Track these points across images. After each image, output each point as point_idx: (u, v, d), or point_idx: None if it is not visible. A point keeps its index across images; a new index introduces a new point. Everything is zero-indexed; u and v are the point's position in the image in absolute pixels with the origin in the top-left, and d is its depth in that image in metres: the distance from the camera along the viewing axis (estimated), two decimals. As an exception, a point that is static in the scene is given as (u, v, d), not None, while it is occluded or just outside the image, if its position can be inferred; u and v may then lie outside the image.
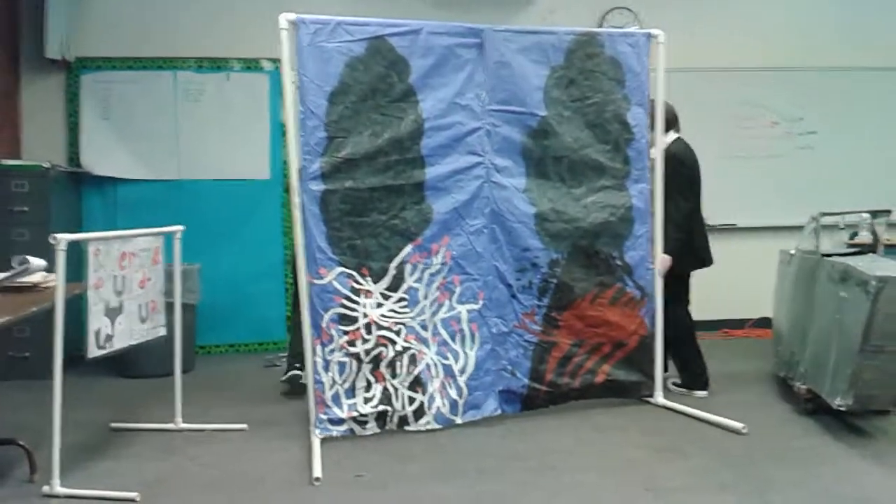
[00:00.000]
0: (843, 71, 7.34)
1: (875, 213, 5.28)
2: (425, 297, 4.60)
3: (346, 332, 4.41)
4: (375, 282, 4.50)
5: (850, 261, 4.33)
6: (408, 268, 4.56)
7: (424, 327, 4.60)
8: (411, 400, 4.54)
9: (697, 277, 6.37)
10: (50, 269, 3.91)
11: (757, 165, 7.36)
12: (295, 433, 4.46)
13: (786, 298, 5.24)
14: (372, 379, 4.47)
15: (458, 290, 4.68)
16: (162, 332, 4.44)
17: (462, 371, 4.67)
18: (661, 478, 3.77)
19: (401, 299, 4.55)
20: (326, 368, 4.36)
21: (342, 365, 4.39)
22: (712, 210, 6.90)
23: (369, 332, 4.46)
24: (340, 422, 4.37)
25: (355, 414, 4.40)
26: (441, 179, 4.61)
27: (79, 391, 5.24)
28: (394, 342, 4.51)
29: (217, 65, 6.82)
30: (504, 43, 4.69)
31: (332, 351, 4.37)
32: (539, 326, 4.83)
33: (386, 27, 4.49)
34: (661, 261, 5.02)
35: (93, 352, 3.81)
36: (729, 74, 7.28)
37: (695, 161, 5.24)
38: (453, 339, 4.67)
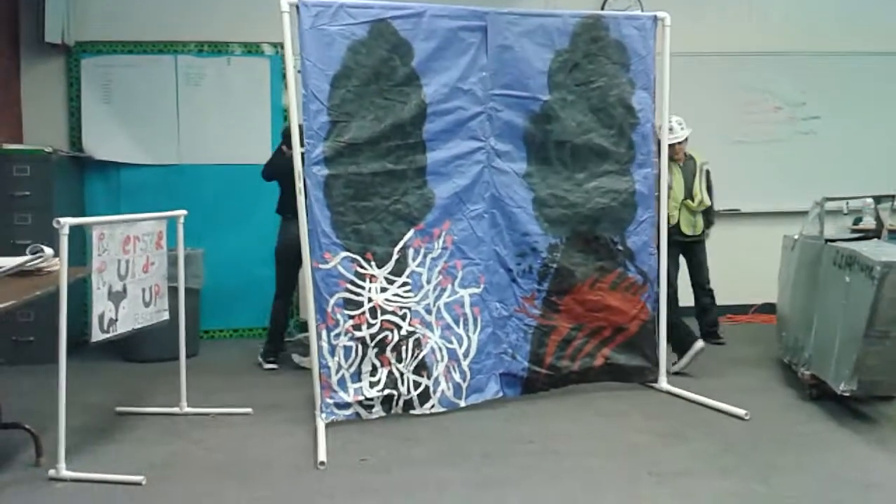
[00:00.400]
0: (845, 56, 7.31)
1: (879, 199, 5.27)
2: (428, 282, 4.61)
3: (351, 317, 4.41)
4: (380, 266, 4.50)
5: (855, 246, 4.32)
6: (410, 252, 4.57)
7: (429, 311, 4.61)
8: (416, 384, 4.55)
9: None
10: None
11: (760, 150, 7.35)
12: (300, 417, 4.47)
13: (790, 284, 5.23)
14: (378, 363, 4.47)
15: (459, 274, 4.69)
16: (165, 316, 4.44)
17: (466, 355, 4.69)
18: (664, 462, 3.78)
19: (404, 283, 4.56)
20: (332, 353, 4.36)
21: (348, 349, 4.40)
22: (715, 196, 6.90)
23: (374, 317, 4.47)
24: (346, 406, 4.38)
25: (361, 398, 4.41)
26: (442, 164, 4.61)
27: (84, 375, 5.26)
28: (399, 326, 4.52)
29: (218, 49, 6.80)
30: (508, 26, 4.66)
31: (337, 335, 4.37)
32: (539, 310, 4.84)
33: (389, 10, 4.46)
34: None
35: (97, 336, 3.81)
36: (731, 59, 7.26)
37: None
38: (457, 323, 4.68)
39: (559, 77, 4.78)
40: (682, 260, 6.31)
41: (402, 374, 4.52)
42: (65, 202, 6.07)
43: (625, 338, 4.99)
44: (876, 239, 5.06)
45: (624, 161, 4.91)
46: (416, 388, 4.54)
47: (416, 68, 4.52)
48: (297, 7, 4.24)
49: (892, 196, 5.15)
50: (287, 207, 5.62)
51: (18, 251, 4.40)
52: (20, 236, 5.63)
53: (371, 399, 4.44)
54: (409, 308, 4.56)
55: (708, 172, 6.21)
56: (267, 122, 6.73)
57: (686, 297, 6.31)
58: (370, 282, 4.47)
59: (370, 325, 4.45)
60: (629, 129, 4.89)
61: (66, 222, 3.55)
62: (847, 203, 6.07)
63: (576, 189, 4.85)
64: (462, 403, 4.65)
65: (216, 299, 6.59)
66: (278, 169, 5.64)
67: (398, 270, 4.54)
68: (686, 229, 6.11)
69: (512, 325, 4.81)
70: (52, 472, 3.59)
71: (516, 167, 4.77)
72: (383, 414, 4.47)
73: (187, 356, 4.74)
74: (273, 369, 5.70)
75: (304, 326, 5.85)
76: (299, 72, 4.32)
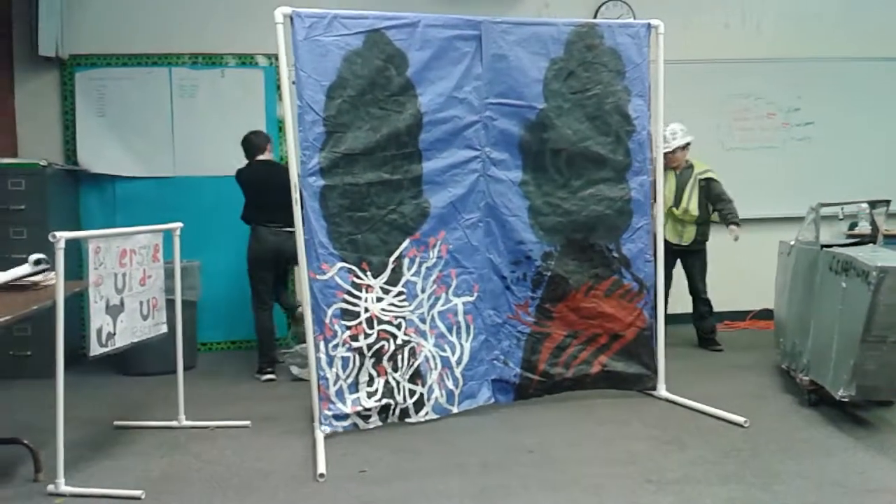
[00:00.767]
0: (839, 61, 7.33)
1: (874, 204, 5.28)
2: (423, 291, 4.62)
3: (348, 327, 4.41)
4: (375, 276, 4.50)
5: (851, 251, 4.33)
6: (406, 262, 4.57)
7: (423, 320, 4.63)
8: (412, 392, 4.56)
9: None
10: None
11: (755, 157, 7.36)
12: (298, 429, 4.46)
13: (787, 290, 5.24)
14: (374, 373, 4.47)
15: (454, 282, 4.70)
16: (163, 329, 4.44)
17: (458, 362, 4.72)
18: (664, 470, 3.78)
19: (399, 293, 4.56)
20: (331, 364, 4.36)
21: (345, 360, 4.40)
22: (735, 202, 6.91)
23: (371, 327, 4.47)
24: (345, 417, 4.38)
25: (359, 408, 4.41)
26: (438, 174, 4.61)
27: (81, 390, 5.25)
28: (395, 336, 4.53)
29: (212, 60, 6.80)
30: (502, 35, 4.67)
31: (335, 346, 4.37)
32: (532, 317, 4.85)
33: (383, 20, 4.47)
34: None
35: (95, 350, 3.80)
36: (725, 66, 7.28)
37: None
38: (450, 331, 4.70)
39: (554, 85, 4.79)
40: (679, 267, 6.32)
41: (398, 383, 4.53)
42: (60, 216, 6.07)
43: (622, 345, 4.99)
44: (872, 244, 5.07)
45: (620, 168, 4.92)
46: (411, 397, 4.56)
47: (412, 78, 4.53)
48: (291, 18, 4.24)
49: (888, 201, 5.16)
50: (251, 216, 5.73)
51: (14, 265, 4.38)
52: (16, 250, 5.61)
53: (369, 409, 4.44)
54: (403, 317, 4.57)
55: (709, 182, 6.17)
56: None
57: (686, 304, 6.34)
58: (366, 292, 4.47)
59: (367, 336, 4.46)
60: (626, 137, 4.90)
61: (62, 236, 3.54)
62: (842, 208, 6.06)
63: (571, 197, 4.86)
64: (455, 409, 4.68)
65: (213, 311, 6.59)
66: (242, 177, 5.77)
67: (393, 280, 4.55)
68: (671, 237, 6.08)
69: (505, 332, 4.83)
70: (51, 488, 3.58)
71: (512, 175, 4.78)
72: (380, 424, 4.47)
73: (185, 369, 4.73)
74: (271, 380, 5.69)
75: (301, 337, 5.84)
76: (294, 83, 4.31)
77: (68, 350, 3.62)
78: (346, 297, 4.41)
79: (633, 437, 4.26)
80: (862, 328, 3.97)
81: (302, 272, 4.36)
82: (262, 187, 5.69)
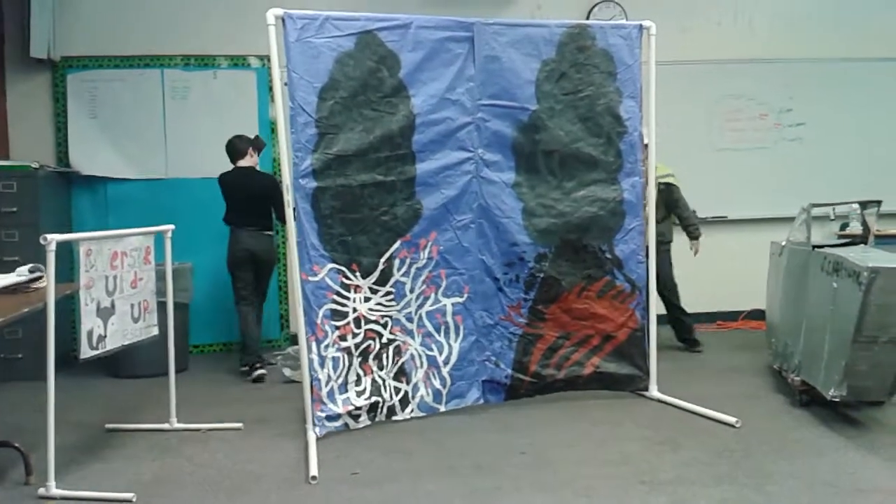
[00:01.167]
0: (831, 62, 7.36)
1: (865, 204, 5.29)
2: (411, 291, 4.64)
3: (337, 328, 4.42)
4: (364, 277, 4.51)
5: (842, 252, 4.34)
6: (396, 262, 4.59)
7: (410, 319, 4.65)
8: (397, 390, 4.60)
9: (689, 270, 6.39)
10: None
11: (747, 157, 7.38)
12: (290, 431, 4.45)
13: (778, 290, 5.25)
14: (361, 372, 4.49)
15: (444, 283, 4.71)
16: (155, 331, 4.42)
17: (446, 362, 4.73)
18: (657, 470, 3.78)
19: (387, 293, 4.58)
20: (322, 365, 4.36)
21: (336, 360, 4.41)
22: (702, 203, 6.93)
23: (359, 327, 4.49)
24: (336, 417, 4.38)
25: (350, 408, 4.42)
26: (431, 175, 4.62)
27: (73, 392, 5.24)
28: (380, 335, 4.56)
29: (204, 62, 6.79)
30: (494, 36, 4.68)
31: (326, 347, 4.37)
32: (525, 319, 4.86)
33: (375, 21, 4.47)
34: None
35: (86, 353, 3.79)
36: (717, 67, 7.30)
37: None
38: (437, 331, 4.72)
39: (546, 87, 4.79)
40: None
41: (384, 381, 4.55)
42: (52, 218, 6.05)
43: (614, 346, 4.99)
44: (863, 244, 5.08)
45: (612, 170, 4.93)
46: (397, 394, 4.59)
47: (404, 79, 4.53)
48: (283, 20, 4.24)
49: (879, 202, 5.17)
50: (230, 218, 5.92)
51: (6, 268, 4.37)
52: (7, 253, 5.61)
53: (359, 408, 4.46)
54: (390, 316, 4.59)
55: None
56: (254, 135, 6.71)
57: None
58: (355, 292, 4.48)
59: (355, 335, 4.47)
60: (617, 138, 4.91)
61: (53, 238, 3.54)
62: (834, 209, 6.09)
63: (564, 198, 4.87)
64: (442, 408, 4.71)
65: (205, 314, 6.57)
66: (222, 181, 5.93)
67: (382, 280, 4.56)
68: None
69: (496, 334, 4.84)
70: (41, 491, 3.57)
71: (505, 177, 4.78)
72: (369, 422, 4.49)
73: (177, 371, 4.72)
74: (262, 376, 5.74)
75: (294, 339, 5.84)
76: (286, 84, 4.31)
77: (59, 353, 3.61)
78: (336, 297, 4.42)
79: (625, 438, 4.26)
80: (853, 329, 3.98)
81: (293, 273, 4.35)
82: (240, 193, 5.89)
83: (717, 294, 7.24)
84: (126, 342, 4.14)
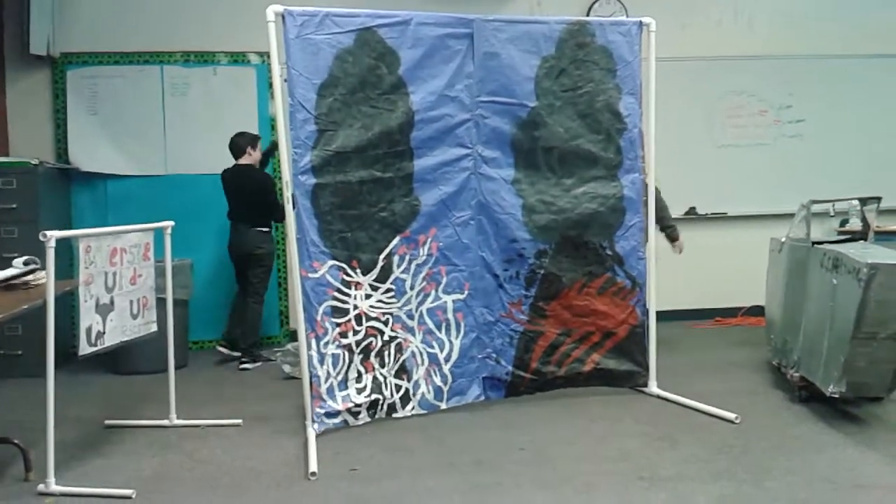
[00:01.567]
0: (831, 58, 7.36)
1: (865, 201, 5.29)
2: (411, 288, 4.63)
3: (338, 325, 4.42)
4: (364, 273, 4.51)
5: (842, 248, 4.34)
6: (396, 259, 4.58)
7: (410, 316, 4.64)
8: (398, 387, 4.59)
9: (689, 267, 6.38)
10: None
11: (747, 154, 7.39)
12: (289, 428, 4.45)
13: (778, 286, 5.25)
14: (362, 369, 4.49)
15: (444, 280, 4.71)
16: (154, 328, 4.42)
17: (447, 359, 4.73)
18: (656, 466, 3.78)
19: (388, 290, 4.58)
20: (322, 362, 4.36)
21: (335, 357, 4.40)
22: (702, 199, 6.94)
23: (360, 324, 4.48)
24: (336, 414, 4.38)
25: (350, 405, 4.42)
26: (429, 171, 4.62)
27: (72, 389, 5.25)
28: (382, 332, 4.55)
29: (204, 59, 6.79)
30: (494, 33, 4.67)
31: (326, 344, 4.37)
32: (525, 316, 4.86)
33: (374, 18, 4.47)
34: None
35: (84, 349, 3.79)
36: (717, 63, 7.30)
37: None
38: (438, 329, 4.71)
39: (546, 83, 4.79)
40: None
41: (385, 379, 4.55)
42: (51, 214, 6.05)
43: (614, 342, 5.00)
44: (862, 241, 5.08)
45: (612, 166, 4.93)
46: (397, 391, 4.59)
47: (403, 76, 4.53)
48: (283, 16, 4.23)
49: (878, 198, 5.17)
50: (229, 214, 6.20)
51: (5, 264, 4.37)
52: (7, 249, 5.59)
53: (359, 405, 4.45)
54: (391, 313, 4.58)
55: None
56: (254, 131, 6.72)
57: (672, 301, 6.35)
58: (356, 289, 4.48)
59: (356, 332, 4.47)
60: (617, 135, 4.90)
61: (53, 235, 3.53)
62: (833, 205, 6.09)
63: (564, 195, 4.87)
64: (443, 406, 4.71)
65: (205, 310, 6.57)
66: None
67: (383, 277, 4.56)
68: None
69: (497, 331, 4.83)
70: (41, 487, 3.56)
71: (504, 174, 4.78)
72: (368, 419, 4.49)
73: (176, 368, 4.72)
74: (245, 370, 5.97)
75: (293, 335, 5.84)
76: (286, 81, 4.31)
77: (59, 349, 3.61)
78: (336, 294, 4.42)
79: (625, 435, 4.27)
80: (852, 325, 3.98)
81: (293, 270, 4.36)
82: (232, 189, 6.13)
83: (717, 290, 7.25)
84: (125, 339, 4.14)
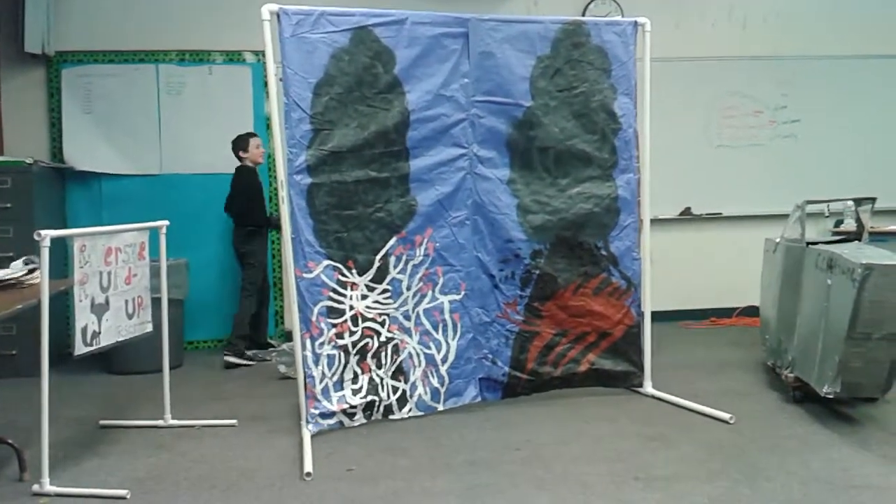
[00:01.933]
0: (825, 59, 7.39)
1: (859, 201, 5.30)
2: (408, 289, 4.62)
3: (334, 325, 4.41)
4: (360, 274, 4.50)
5: (836, 249, 4.35)
6: (392, 260, 4.57)
7: (407, 317, 4.63)
8: (394, 389, 4.58)
9: (684, 267, 6.38)
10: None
11: (741, 154, 7.41)
12: (284, 428, 4.45)
13: (772, 287, 5.26)
14: (358, 370, 4.48)
15: (440, 280, 4.70)
16: (149, 328, 4.41)
17: (444, 360, 4.72)
18: (651, 467, 3.79)
19: (384, 291, 4.57)
20: (317, 362, 4.35)
21: (331, 358, 4.40)
22: (697, 199, 6.95)
23: (356, 325, 4.47)
24: (331, 415, 4.38)
25: (345, 406, 4.41)
26: (425, 172, 4.61)
27: (67, 389, 5.23)
28: (378, 333, 4.54)
29: (199, 57, 6.78)
30: (489, 33, 4.67)
31: (321, 344, 4.36)
32: (521, 316, 4.86)
33: (370, 17, 4.46)
34: None
35: (79, 349, 3.78)
36: (712, 64, 7.32)
37: None
38: (435, 329, 4.70)
39: (541, 83, 4.79)
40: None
41: (381, 380, 4.54)
42: (46, 214, 6.04)
43: (609, 343, 5.00)
44: (857, 241, 5.09)
45: (607, 166, 4.93)
46: (394, 393, 4.57)
47: (399, 75, 4.52)
48: (278, 15, 4.23)
49: (873, 198, 5.18)
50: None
51: (1, 264, 4.36)
52: (1, 248, 5.60)
53: (354, 407, 4.44)
54: (387, 314, 4.57)
55: None
56: (249, 130, 6.71)
57: (669, 300, 6.35)
58: (351, 290, 4.47)
59: (352, 333, 4.46)
60: (612, 135, 4.91)
61: (48, 234, 3.52)
62: (828, 206, 6.10)
63: (559, 195, 4.87)
64: (440, 407, 4.69)
65: (200, 310, 6.57)
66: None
67: (379, 278, 4.55)
68: None
69: (493, 331, 4.83)
70: (35, 487, 3.55)
71: (499, 173, 4.78)
72: (364, 421, 4.48)
73: (171, 367, 4.72)
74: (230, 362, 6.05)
75: (289, 336, 5.85)
76: (281, 80, 4.30)
77: (54, 349, 3.60)
78: (332, 294, 4.41)
79: (620, 435, 4.27)
80: (847, 325, 3.98)
81: (288, 270, 4.35)
82: (230, 189, 6.30)
83: (712, 291, 7.26)
84: (120, 338, 4.13)
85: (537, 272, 4.84)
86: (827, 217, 7.15)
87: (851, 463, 3.78)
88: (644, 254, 5.02)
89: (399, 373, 4.60)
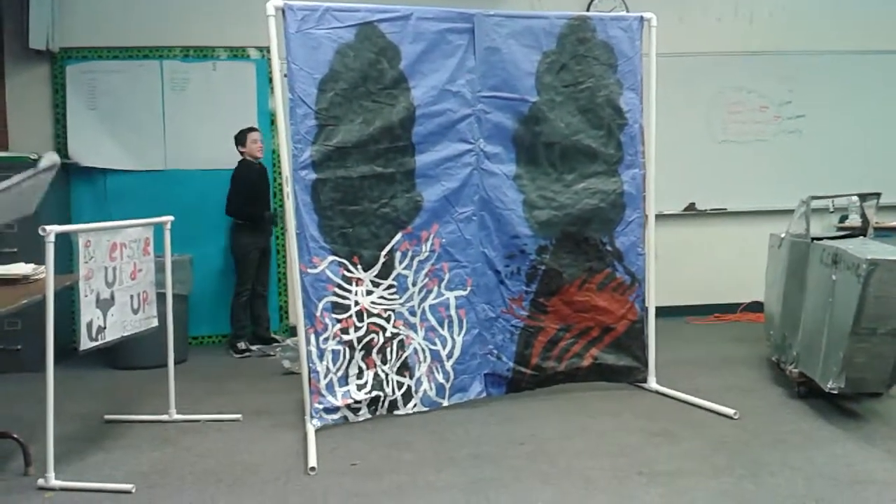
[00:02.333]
0: (831, 54, 7.36)
1: (864, 196, 5.29)
2: (414, 284, 4.62)
3: (339, 321, 4.41)
4: (366, 270, 4.50)
5: (841, 244, 4.34)
6: (398, 255, 4.57)
7: (413, 313, 4.63)
8: (399, 384, 4.58)
9: (688, 263, 6.37)
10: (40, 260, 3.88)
11: (746, 149, 7.39)
12: (289, 423, 4.46)
13: (777, 282, 5.26)
14: (363, 366, 4.48)
15: (446, 276, 4.70)
16: (154, 323, 4.42)
17: (449, 356, 4.72)
18: (655, 462, 3.79)
19: (390, 286, 4.57)
20: (321, 357, 4.36)
21: (336, 353, 4.40)
22: (702, 195, 6.94)
23: (361, 320, 4.47)
24: (335, 410, 4.38)
25: (350, 401, 4.41)
26: (431, 167, 4.61)
27: (72, 383, 5.25)
28: (384, 329, 4.54)
29: (203, 54, 6.78)
30: (495, 28, 4.67)
31: (326, 339, 4.37)
32: (526, 312, 4.86)
33: (375, 13, 4.46)
34: None
35: (85, 344, 3.79)
36: (717, 59, 7.30)
37: None
38: (441, 325, 4.70)
39: (547, 78, 4.79)
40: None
41: (387, 376, 4.54)
42: (51, 209, 6.00)
43: (613, 338, 5.00)
44: (862, 237, 5.08)
45: (612, 162, 4.93)
46: (399, 389, 4.58)
47: (404, 71, 4.52)
48: (283, 11, 4.23)
49: (878, 194, 5.17)
50: None
51: (4, 259, 4.37)
52: (6, 244, 5.61)
53: (359, 401, 4.45)
54: (393, 310, 4.57)
55: None
56: (254, 126, 6.71)
57: (672, 296, 6.34)
58: (357, 285, 4.47)
59: (357, 329, 4.46)
60: (617, 130, 4.90)
61: (52, 230, 3.53)
62: (833, 201, 6.10)
63: (565, 190, 4.86)
64: (445, 403, 4.70)
65: (205, 305, 6.58)
66: None
67: (384, 273, 4.55)
68: None
69: (498, 327, 4.83)
70: (41, 482, 3.57)
71: (505, 169, 4.78)
72: (369, 416, 4.48)
73: (176, 363, 4.73)
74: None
75: (293, 331, 5.86)
76: (286, 76, 4.30)
77: (59, 344, 3.61)
78: (337, 290, 4.42)
79: (623, 430, 4.27)
80: (852, 320, 3.98)
81: (292, 265, 4.36)
82: None
83: (716, 286, 7.25)
84: (125, 333, 4.14)
85: (543, 268, 4.84)
86: (832, 212, 7.15)
87: (856, 458, 3.78)
88: (648, 249, 5.02)
89: (404, 368, 4.60)
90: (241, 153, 6.33)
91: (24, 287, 3.91)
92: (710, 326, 7.01)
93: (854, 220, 6.73)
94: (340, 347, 4.41)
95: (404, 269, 4.59)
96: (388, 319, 4.56)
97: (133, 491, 3.54)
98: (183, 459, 3.98)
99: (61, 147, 6.58)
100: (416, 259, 4.62)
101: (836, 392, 4.20)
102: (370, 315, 4.51)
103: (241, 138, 6.33)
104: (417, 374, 4.63)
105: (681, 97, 6.94)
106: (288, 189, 4.27)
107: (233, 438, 4.26)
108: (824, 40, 7.35)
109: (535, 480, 3.60)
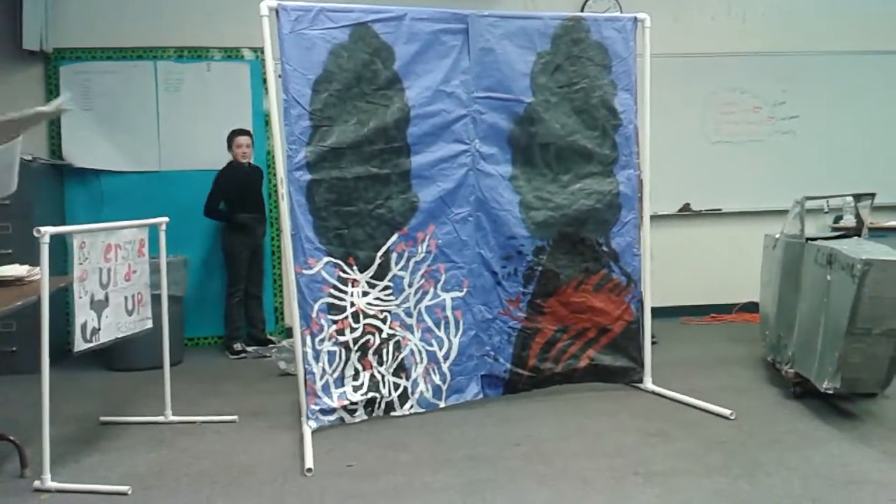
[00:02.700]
0: (824, 55, 7.39)
1: (859, 197, 5.30)
2: (410, 285, 4.62)
3: (334, 322, 4.41)
4: (362, 271, 4.50)
5: (836, 244, 4.35)
6: (393, 256, 4.57)
7: (409, 314, 4.63)
8: (396, 386, 4.58)
9: (684, 264, 6.38)
10: (35, 261, 3.87)
11: (741, 150, 7.41)
12: (285, 424, 4.46)
13: (772, 283, 5.27)
14: (360, 367, 4.48)
15: (442, 277, 4.69)
16: (149, 324, 4.41)
17: (446, 357, 4.71)
18: (651, 462, 3.79)
19: (386, 287, 4.56)
20: (317, 358, 4.35)
21: (332, 354, 4.40)
22: (697, 196, 6.95)
23: (357, 321, 4.47)
24: (331, 411, 4.38)
25: (346, 402, 4.41)
26: (426, 168, 4.61)
27: (67, 385, 5.24)
28: (380, 330, 4.53)
29: (197, 54, 6.78)
30: (489, 28, 4.67)
31: (321, 341, 4.36)
32: (523, 313, 4.86)
33: (369, 13, 4.46)
34: None
35: (79, 345, 3.78)
36: (711, 59, 7.32)
37: None
38: (437, 326, 4.70)
39: (541, 79, 4.79)
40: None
41: (383, 377, 4.54)
42: (45, 210, 6.03)
43: (609, 339, 5.00)
44: (856, 237, 5.10)
45: (607, 162, 4.93)
46: (396, 390, 4.57)
47: (399, 71, 4.52)
48: (277, 11, 4.22)
49: (872, 194, 5.18)
50: None
51: (0, 260, 4.36)
52: (0, 246, 5.60)
53: (355, 403, 4.44)
54: (389, 311, 4.57)
55: None
56: (247, 127, 6.71)
57: (668, 296, 6.34)
58: (352, 286, 4.47)
59: (353, 330, 4.46)
60: (612, 131, 4.91)
61: (47, 231, 3.52)
62: (827, 202, 6.11)
63: (561, 191, 4.87)
64: (442, 404, 4.69)
65: (200, 306, 6.57)
66: None
67: (380, 274, 4.55)
68: None
69: (495, 328, 4.83)
70: (37, 484, 3.56)
71: (501, 170, 4.78)
72: (365, 417, 4.48)
73: (172, 364, 4.72)
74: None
75: (289, 332, 5.86)
76: (280, 76, 4.30)
77: (54, 345, 3.60)
78: (332, 291, 4.41)
79: (620, 430, 4.27)
80: (847, 321, 3.99)
81: (288, 266, 4.35)
82: None
83: (711, 287, 7.27)
84: (120, 335, 4.13)
85: (540, 269, 4.84)
86: (826, 213, 7.18)
87: (851, 458, 3.79)
88: (644, 250, 5.02)
89: (401, 370, 4.60)
90: (231, 153, 6.36)
91: (18, 288, 3.89)
92: (705, 327, 7.02)
93: (849, 221, 6.76)
94: (336, 349, 4.41)
95: (400, 270, 4.59)
96: (384, 321, 4.56)
97: (129, 493, 3.52)
98: (179, 461, 3.97)
99: (55, 148, 6.56)
100: (413, 260, 4.62)
101: (831, 392, 4.21)
102: (366, 316, 4.50)
103: (228, 141, 6.36)
104: (414, 375, 4.63)
105: (675, 98, 6.96)
106: (283, 190, 4.26)
107: (229, 440, 4.26)
108: (818, 41, 7.37)
109: (531, 481, 3.60)
